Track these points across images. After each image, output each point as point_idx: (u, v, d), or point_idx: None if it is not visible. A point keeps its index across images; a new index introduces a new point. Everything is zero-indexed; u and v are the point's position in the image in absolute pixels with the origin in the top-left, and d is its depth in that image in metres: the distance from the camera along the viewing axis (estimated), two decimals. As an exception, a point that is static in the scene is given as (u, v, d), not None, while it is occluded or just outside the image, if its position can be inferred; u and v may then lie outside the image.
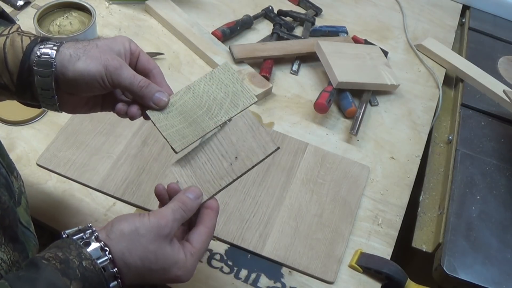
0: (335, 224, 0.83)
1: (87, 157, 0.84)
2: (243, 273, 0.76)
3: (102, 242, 0.51)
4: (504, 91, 1.01)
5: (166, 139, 0.59)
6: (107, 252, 0.51)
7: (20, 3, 1.08)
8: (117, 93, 0.64)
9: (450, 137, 1.01)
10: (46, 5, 0.98)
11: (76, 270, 0.48)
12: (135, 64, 0.62)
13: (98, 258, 0.50)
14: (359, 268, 0.78)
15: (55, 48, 0.57)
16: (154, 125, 0.59)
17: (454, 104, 1.09)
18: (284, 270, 0.78)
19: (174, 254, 0.55)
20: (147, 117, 0.61)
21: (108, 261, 0.51)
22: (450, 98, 1.12)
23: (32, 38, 0.59)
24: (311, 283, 0.77)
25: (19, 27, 0.61)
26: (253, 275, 0.76)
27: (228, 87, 0.61)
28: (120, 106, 0.61)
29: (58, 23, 0.98)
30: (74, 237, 0.52)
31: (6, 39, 0.58)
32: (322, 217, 0.83)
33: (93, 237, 0.52)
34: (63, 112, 0.63)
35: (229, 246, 0.79)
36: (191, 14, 1.13)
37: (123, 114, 0.62)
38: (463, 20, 1.29)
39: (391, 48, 1.16)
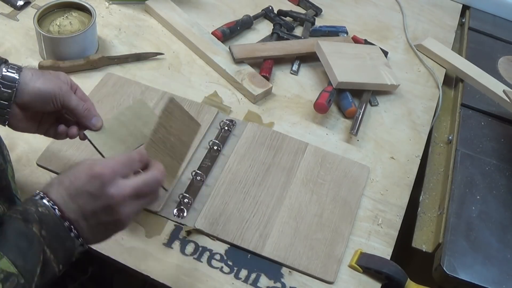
0: (335, 224, 0.83)
1: (87, 157, 0.84)
2: (243, 273, 0.76)
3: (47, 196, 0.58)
4: (504, 91, 1.01)
5: (100, 152, 0.71)
6: (52, 203, 0.57)
7: (20, 3, 1.08)
8: (56, 117, 0.74)
9: (450, 137, 1.01)
10: (46, 5, 0.98)
11: (34, 215, 0.55)
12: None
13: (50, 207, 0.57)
14: (359, 268, 0.78)
15: (18, 70, 0.68)
16: (91, 142, 0.71)
17: (454, 104, 1.09)
18: (284, 270, 0.78)
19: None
20: (83, 137, 0.72)
21: (58, 210, 0.57)
22: (450, 98, 1.12)
23: None
24: (311, 283, 0.77)
25: None
26: (253, 275, 0.76)
27: (145, 117, 0.76)
28: (62, 127, 0.73)
29: (58, 23, 0.98)
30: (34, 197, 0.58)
31: None
32: (322, 217, 0.83)
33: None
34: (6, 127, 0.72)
35: (229, 246, 0.79)
36: (191, 14, 1.13)
37: (63, 135, 0.73)
38: (463, 20, 1.29)
39: (391, 48, 1.16)
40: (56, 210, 0.56)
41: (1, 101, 0.67)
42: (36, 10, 0.97)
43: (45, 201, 0.56)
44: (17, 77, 0.67)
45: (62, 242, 0.56)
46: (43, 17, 0.98)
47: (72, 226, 0.57)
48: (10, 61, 0.69)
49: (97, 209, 0.57)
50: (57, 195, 0.57)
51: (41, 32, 0.94)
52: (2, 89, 0.66)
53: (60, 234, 0.56)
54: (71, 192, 0.57)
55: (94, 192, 0.57)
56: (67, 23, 0.98)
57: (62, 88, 0.68)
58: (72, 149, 0.85)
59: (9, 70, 0.67)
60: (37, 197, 0.57)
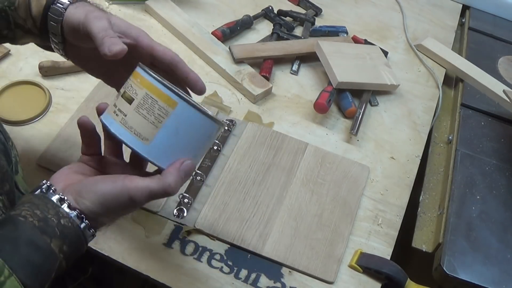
0: (335, 224, 0.83)
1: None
2: (243, 273, 0.76)
3: (66, 199, 0.53)
4: (504, 91, 1.01)
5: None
6: (81, 216, 0.53)
7: (20, 3, 1.08)
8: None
9: (450, 137, 1.01)
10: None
11: (55, 228, 0.50)
12: (150, 62, 0.62)
13: (73, 217, 0.52)
14: (359, 268, 0.78)
15: (66, 4, 0.62)
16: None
17: (454, 104, 1.09)
18: (284, 270, 0.78)
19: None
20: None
21: (78, 215, 0.53)
22: (450, 98, 1.12)
23: None
24: (311, 283, 0.77)
25: None
26: (253, 275, 0.76)
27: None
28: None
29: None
30: (47, 194, 0.53)
31: None
32: (322, 217, 0.83)
33: (59, 195, 0.54)
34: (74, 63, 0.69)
35: (229, 246, 0.79)
36: (191, 14, 1.13)
37: None
38: (463, 20, 1.29)
39: (391, 48, 1.16)
40: (81, 224, 0.52)
41: (53, 35, 0.64)
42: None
43: (67, 209, 0.52)
44: (63, 10, 0.62)
45: (78, 251, 0.54)
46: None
47: (92, 229, 0.54)
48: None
49: (122, 212, 0.56)
50: (82, 202, 0.53)
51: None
52: (52, 23, 0.62)
53: (79, 246, 0.53)
54: (101, 204, 0.53)
55: (125, 207, 0.54)
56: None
57: (89, 15, 0.59)
58: (72, 149, 0.85)
59: (58, 3, 0.62)
60: (56, 200, 0.52)
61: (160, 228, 0.79)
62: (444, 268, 0.79)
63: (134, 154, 0.59)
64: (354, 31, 1.18)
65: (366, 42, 1.15)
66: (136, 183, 0.52)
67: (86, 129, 0.59)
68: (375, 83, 1.04)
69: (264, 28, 1.16)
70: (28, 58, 0.99)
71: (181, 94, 0.54)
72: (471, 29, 1.24)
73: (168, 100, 0.53)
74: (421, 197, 0.93)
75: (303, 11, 1.22)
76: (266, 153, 0.90)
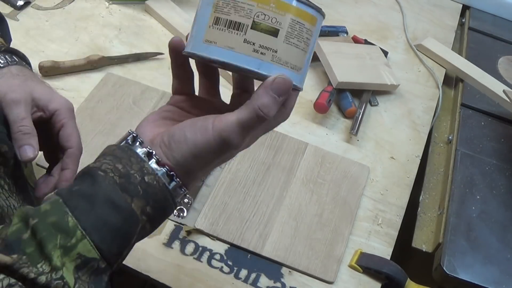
0: (335, 224, 0.83)
1: (87, 157, 0.84)
2: (243, 273, 0.76)
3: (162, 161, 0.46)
4: (504, 91, 1.01)
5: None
6: (167, 170, 0.46)
7: (20, 3, 1.08)
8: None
9: (450, 137, 1.01)
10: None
11: (138, 186, 0.44)
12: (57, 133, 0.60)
13: (159, 172, 0.45)
14: (359, 268, 0.78)
15: (7, 63, 0.60)
16: None
17: (454, 104, 1.09)
18: (284, 270, 0.78)
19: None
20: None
21: (174, 177, 0.46)
22: (450, 98, 1.12)
23: None
24: (311, 283, 0.77)
25: None
26: (253, 275, 0.76)
27: None
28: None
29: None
30: (132, 147, 0.46)
31: None
32: (322, 217, 0.83)
33: (147, 148, 0.46)
34: None
35: (229, 246, 0.79)
36: (191, 14, 1.13)
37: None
38: (463, 20, 1.29)
39: (391, 48, 1.16)
40: (170, 183, 0.45)
41: None
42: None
43: (154, 165, 0.45)
44: None
45: (165, 213, 0.47)
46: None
47: (183, 188, 0.47)
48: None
49: (219, 161, 0.48)
50: (172, 155, 0.46)
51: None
52: None
53: (167, 208, 0.46)
54: (194, 155, 0.45)
55: (221, 153, 0.46)
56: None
57: (6, 96, 0.56)
58: (72, 149, 0.85)
59: None
60: (142, 154, 0.45)
61: (160, 228, 0.79)
62: (444, 268, 0.79)
63: (240, 85, 0.52)
64: (354, 31, 1.18)
65: (366, 42, 1.15)
66: (225, 120, 0.44)
67: (179, 55, 0.52)
68: (375, 83, 1.04)
69: (264, 28, 1.16)
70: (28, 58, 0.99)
71: (320, 9, 0.48)
72: (471, 29, 1.24)
73: (312, 19, 0.47)
74: (421, 197, 0.93)
75: (303, 11, 1.21)
76: (266, 153, 0.90)
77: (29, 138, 0.56)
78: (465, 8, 1.32)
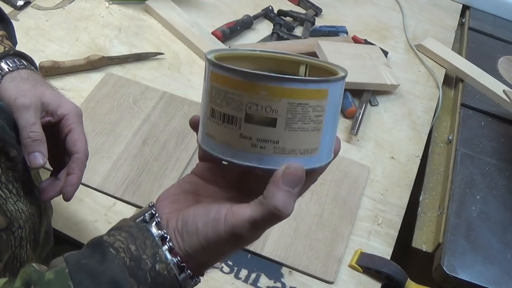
0: (335, 224, 0.83)
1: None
2: (243, 273, 0.76)
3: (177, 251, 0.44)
4: (504, 91, 1.01)
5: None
6: (180, 261, 0.43)
7: (20, 3, 1.08)
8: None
9: (450, 137, 1.01)
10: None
11: (147, 273, 0.42)
12: (64, 137, 0.61)
13: (172, 262, 0.43)
14: (359, 268, 0.78)
15: (16, 67, 0.60)
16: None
17: (454, 104, 1.09)
18: (284, 270, 0.78)
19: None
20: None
21: (178, 263, 0.43)
22: (450, 98, 1.12)
23: (6, 49, 0.62)
24: (311, 283, 0.77)
25: (5, 36, 0.64)
26: (253, 275, 0.76)
27: None
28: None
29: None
30: (149, 226, 0.44)
31: None
32: (322, 217, 0.83)
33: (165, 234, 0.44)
34: None
35: (229, 246, 0.79)
36: (191, 14, 1.13)
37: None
38: (463, 20, 1.29)
39: (391, 48, 1.16)
40: (180, 274, 0.43)
41: None
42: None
43: (167, 253, 0.43)
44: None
45: None
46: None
47: (195, 279, 0.45)
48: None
49: (230, 252, 0.45)
50: (184, 247, 0.43)
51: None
52: None
53: None
54: (205, 249, 0.43)
55: (233, 246, 0.44)
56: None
57: (17, 101, 0.57)
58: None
59: None
60: (157, 237, 0.43)
61: (160, 228, 0.79)
62: (444, 268, 0.79)
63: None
64: (354, 31, 1.18)
65: (366, 42, 1.15)
66: (238, 216, 0.41)
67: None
68: (375, 83, 1.04)
69: (264, 28, 1.16)
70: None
71: (326, 79, 0.42)
72: (471, 29, 1.24)
73: (318, 94, 0.40)
74: (421, 197, 0.93)
75: (303, 11, 1.22)
76: (266, 153, 0.90)
77: (38, 145, 0.57)
78: (465, 8, 1.32)
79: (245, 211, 0.41)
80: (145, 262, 0.42)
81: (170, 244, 0.43)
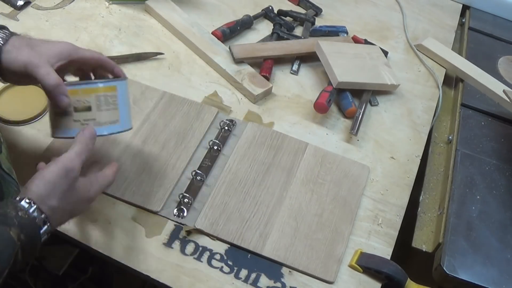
0: (335, 224, 0.83)
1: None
2: (243, 273, 0.76)
3: (26, 196, 0.60)
4: (504, 91, 1.01)
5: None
6: (32, 202, 0.60)
7: (20, 3, 1.08)
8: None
9: (450, 137, 1.01)
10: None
11: (14, 219, 0.57)
12: (78, 65, 0.72)
13: (29, 209, 0.59)
14: (359, 268, 0.79)
15: (6, 38, 0.68)
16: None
17: (454, 104, 1.09)
18: (284, 270, 0.78)
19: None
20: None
21: (37, 208, 0.60)
22: (450, 98, 1.12)
23: None
24: (311, 283, 0.77)
25: None
26: (253, 275, 0.76)
27: None
28: None
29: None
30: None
31: None
32: (322, 217, 0.83)
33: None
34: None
35: (229, 246, 0.79)
36: (191, 14, 1.14)
37: None
38: (463, 20, 1.29)
39: (391, 48, 1.16)
40: (35, 212, 0.59)
41: None
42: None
43: (23, 203, 0.59)
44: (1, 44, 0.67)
45: (34, 243, 0.59)
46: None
47: (47, 220, 0.61)
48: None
49: (69, 194, 0.63)
50: (34, 194, 0.60)
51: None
52: None
53: (35, 236, 0.59)
54: (46, 190, 0.61)
55: (68, 184, 0.63)
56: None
57: (29, 63, 0.66)
58: (72, 149, 0.85)
59: None
60: (17, 199, 0.60)
61: (160, 228, 0.79)
62: (444, 268, 0.79)
63: None
64: (354, 31, 1.18)
65: (366, 42, 1.15)
66: (67, 153, 0.63)
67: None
68: (375, 83, 1.04)
69: (264, 28, 1.16)
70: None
71: (113, 80, 0.72)
72: (471, 29, 1.24)
73: (111, 89, 0.70)
74: (421, 197, 0.93)
75: (303, 11, 1.22)
76: (266, 153, 0.90)
77: (58, 88, 0.66)
78: (465, 8, 1.32)
79: (72, 148, 0.65)
80: (10, 213, 0.58)
81: (26, 196, 0.60)
